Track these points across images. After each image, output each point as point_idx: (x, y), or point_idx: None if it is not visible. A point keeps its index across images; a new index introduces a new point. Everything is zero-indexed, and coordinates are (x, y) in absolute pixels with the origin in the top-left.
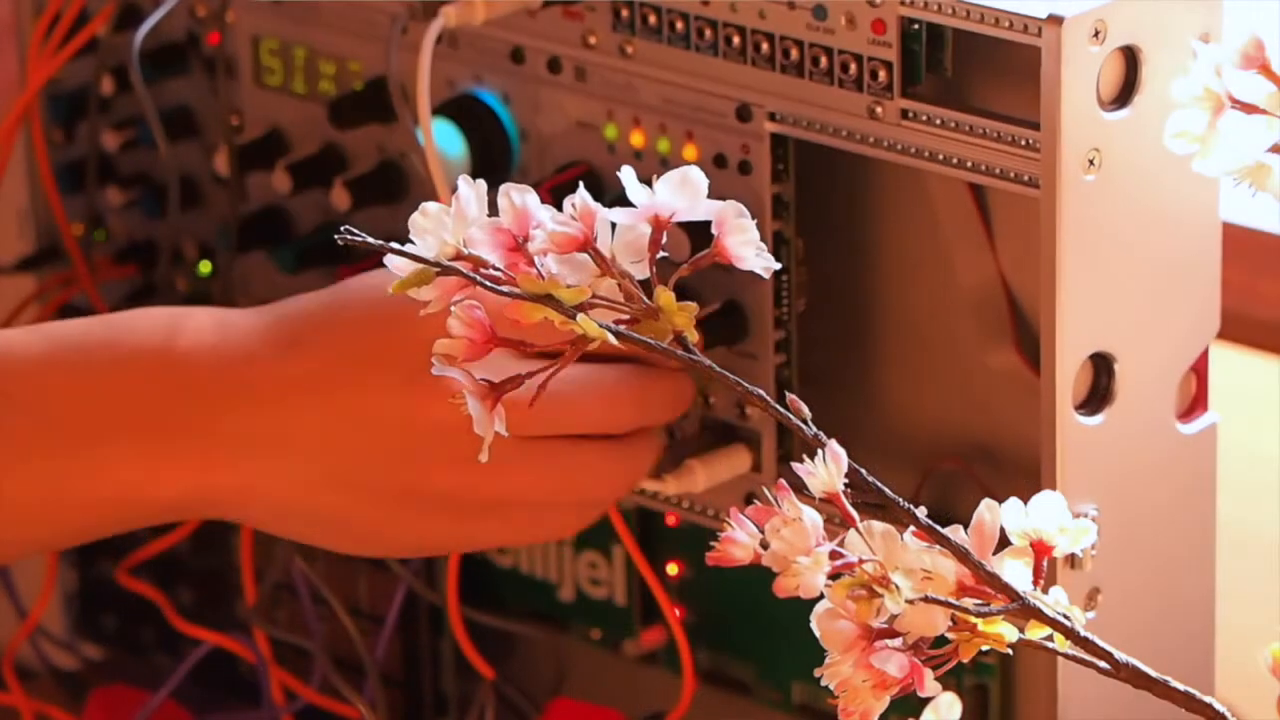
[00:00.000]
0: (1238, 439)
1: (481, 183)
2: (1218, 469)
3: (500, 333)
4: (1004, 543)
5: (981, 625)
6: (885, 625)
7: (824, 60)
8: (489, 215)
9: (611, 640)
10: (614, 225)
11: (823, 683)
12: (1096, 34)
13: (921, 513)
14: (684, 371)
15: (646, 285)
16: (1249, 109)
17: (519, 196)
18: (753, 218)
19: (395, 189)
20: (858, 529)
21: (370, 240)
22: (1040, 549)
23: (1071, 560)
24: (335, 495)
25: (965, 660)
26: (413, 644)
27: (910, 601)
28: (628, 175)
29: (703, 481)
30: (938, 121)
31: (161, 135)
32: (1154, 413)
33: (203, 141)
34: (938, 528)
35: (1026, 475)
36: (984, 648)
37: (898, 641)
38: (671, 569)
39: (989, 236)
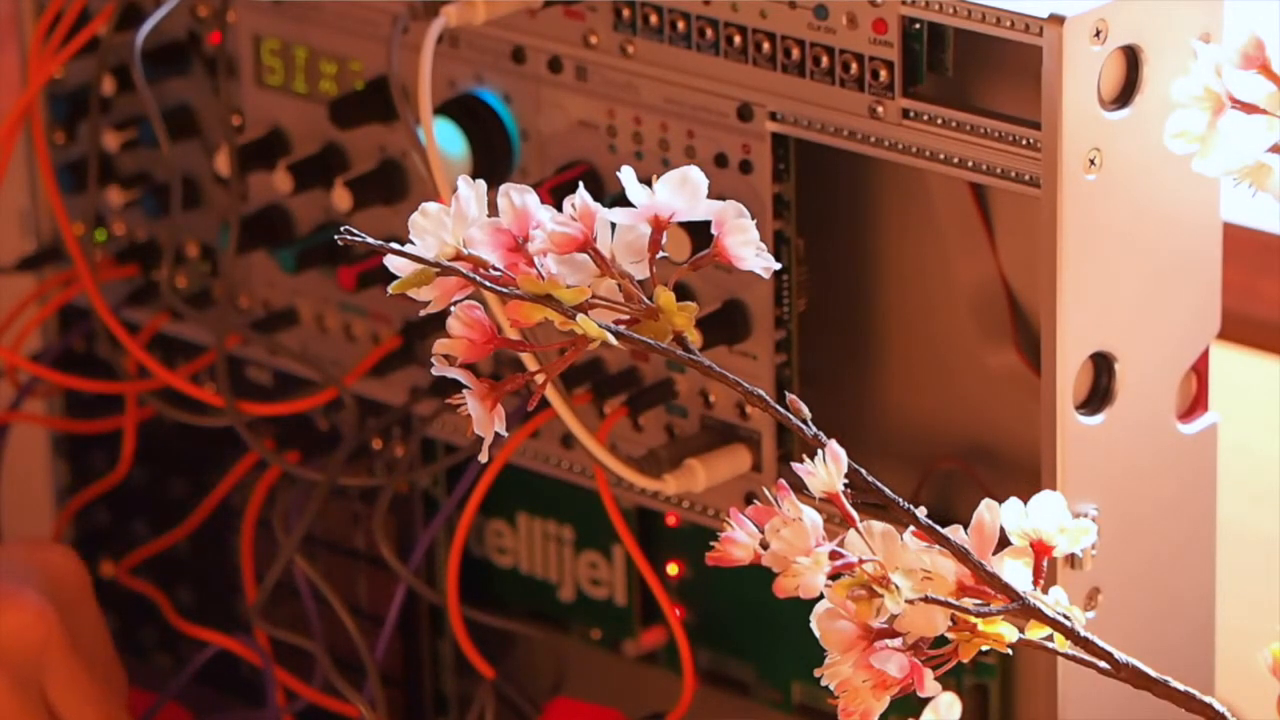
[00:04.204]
0: (1238, 439)
1: (481, 183)
2: (1218, 469)
3: None
4: (1004, 543)
5: (981, 625)
6: (885, 625)
7: (825, 60)
8: (489, 215)
9: (611, 640)
10: (614, 225)
11: (823, 683)
12: (1098, 34)
13: (921, 513)
14: None
15: (646, 285)
16: (1249, 109)
17: (519, 196)
18: (753, 217)
19: (396, 189)
20: (858, 529)
21: (370, 240)
22: (1040, 549)
23: (1071, 560)
24: None
25: (965, 660)
26: (413, 644)
27: (910, 601)
28: (627, 175)
29: (703, 481)
30: (939, 121)
31: (163, 135)
32: (1154, 413)
33: (204, 141)
34: (938, 528)
35: (1026, 475)
36: (984, 648)
37: (898, 641)
38: (671, 569)
39: (989, 236)
